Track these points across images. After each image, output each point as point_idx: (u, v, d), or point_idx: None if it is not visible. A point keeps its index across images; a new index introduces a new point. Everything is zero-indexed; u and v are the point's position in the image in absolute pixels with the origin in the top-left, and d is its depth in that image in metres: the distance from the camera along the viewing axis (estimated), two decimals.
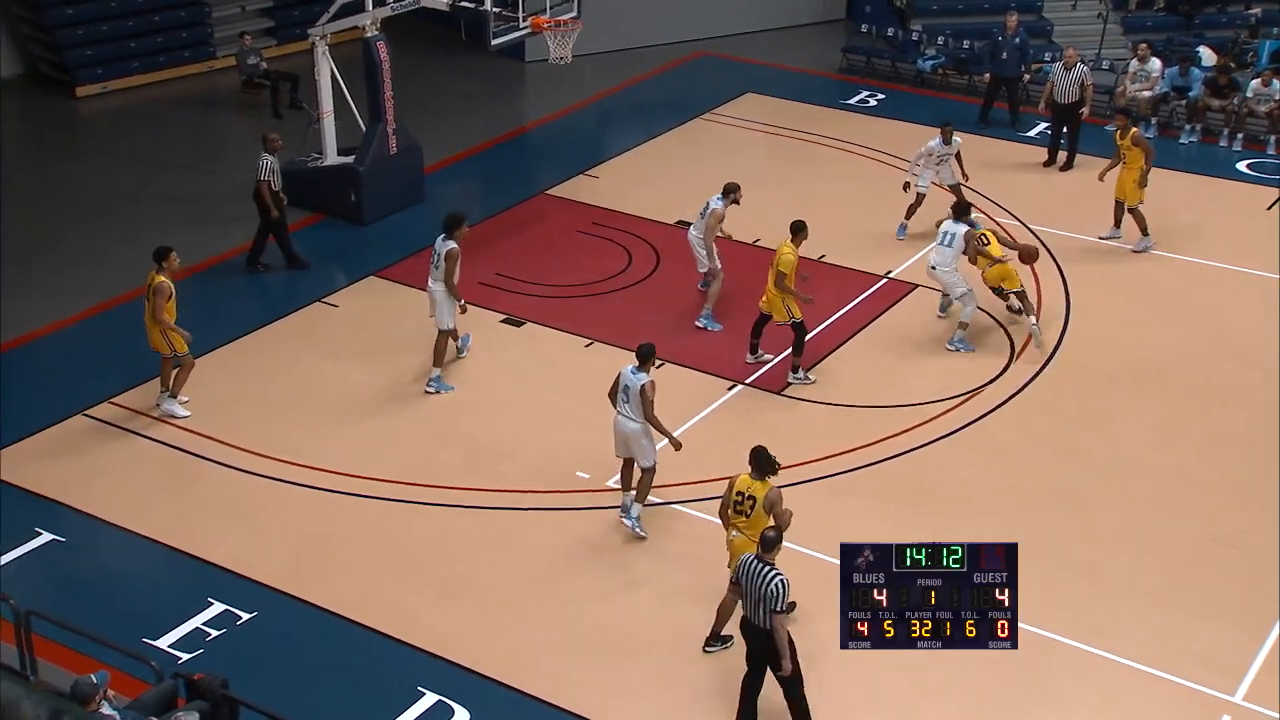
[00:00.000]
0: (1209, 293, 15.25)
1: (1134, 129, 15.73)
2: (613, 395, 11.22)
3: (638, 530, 11.26)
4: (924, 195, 16.08)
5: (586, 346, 14.16)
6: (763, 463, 9.86)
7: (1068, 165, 18.25)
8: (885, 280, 15.39)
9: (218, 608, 10.56)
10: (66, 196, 17.43)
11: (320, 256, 16.17)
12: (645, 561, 11.10)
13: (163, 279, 12.41)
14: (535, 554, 11.23)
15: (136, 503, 11.76)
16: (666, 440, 11.23)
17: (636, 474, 11.35)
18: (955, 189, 16.04)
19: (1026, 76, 19.59)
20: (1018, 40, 19.31)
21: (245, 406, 13.08)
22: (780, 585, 8.75)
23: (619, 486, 11.72)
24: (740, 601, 9.09)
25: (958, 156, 16.23)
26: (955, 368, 13.67)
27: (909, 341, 14.26)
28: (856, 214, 17.02)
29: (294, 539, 11.37)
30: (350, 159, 16.78)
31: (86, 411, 12.93)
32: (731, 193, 14.28)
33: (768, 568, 8.84)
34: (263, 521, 11.55)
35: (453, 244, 13.00)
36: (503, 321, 14.54)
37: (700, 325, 14.37)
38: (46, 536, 11.29)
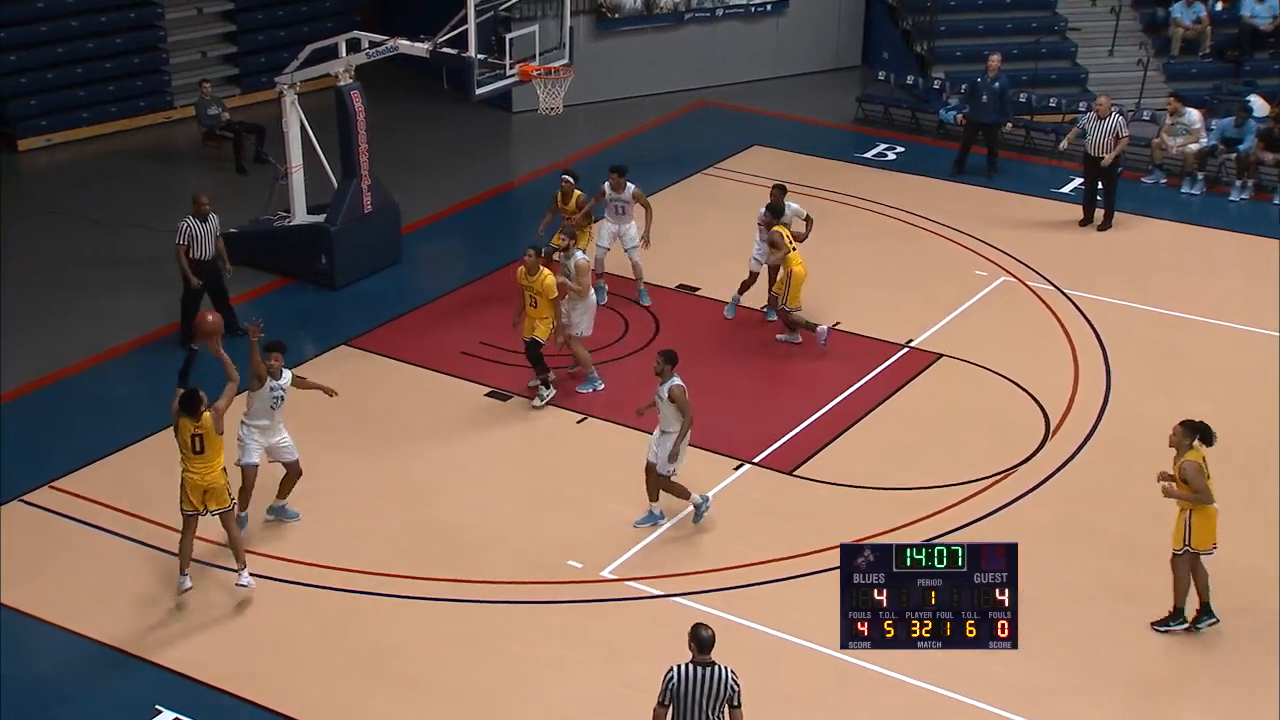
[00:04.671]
0: (1266, 365, 15.23)
1: (778, 227, 15.06)
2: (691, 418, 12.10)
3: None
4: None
5: (579, 422, 14.13)
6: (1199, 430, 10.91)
7: (1105, 224, 18.36)
8: (906, 349, 15.41)
9: (167, 716, 10.42)
10: (5, 260, 17.44)
11: (287, 323, 16.14)
12: (642, 663, 10.95)
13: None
14: (518, 653, 11.11)
15: (75, 599, 11.64)
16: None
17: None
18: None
19: (1009, 125, 19.91)
20: (997, 85, 19.60)
21: None
22: (735, 677, 8.79)
23: (614, 575, 11.64)
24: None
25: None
26: (984, 446, 13.63)
27: (933, 417, 14.24)
28: (875, 277, 17.09)
29: (250, 637, 11.26)
30: (321, 218, 16.86)
31: (23, 498, 12.87)
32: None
33: (710, 668, 8.78)
34: (216, 618, 11.44)
35: None
36: (488, 395, 14.53)
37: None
38: None
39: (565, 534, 12.41)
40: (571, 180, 15.98)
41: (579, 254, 14.56)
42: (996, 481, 13.12)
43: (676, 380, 12.01)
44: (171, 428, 11.33)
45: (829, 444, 13.74)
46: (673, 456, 12.13)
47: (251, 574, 11.53)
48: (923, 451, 13.63)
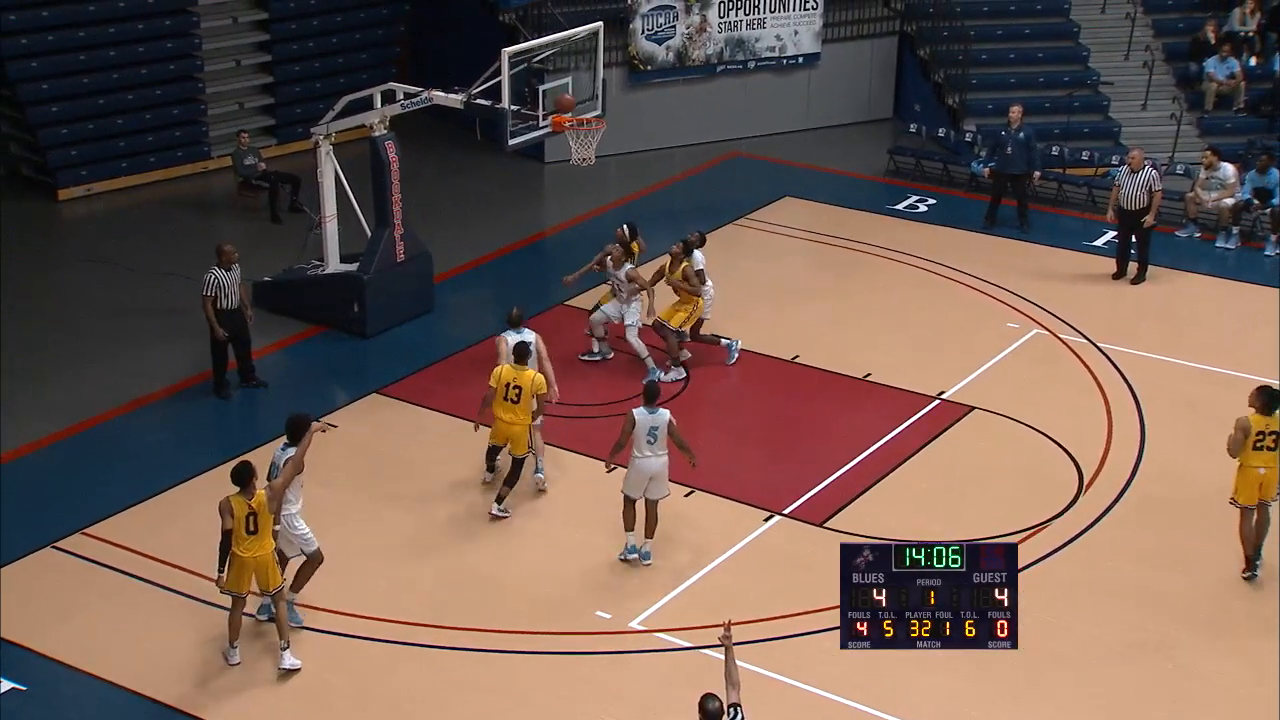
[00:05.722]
0: None
1: (685, 264, 15.55)
2: (624, 443, 12.38)
3: (649, 563, 12.60)
4: None
5: (609, 472, 14.12)
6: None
7: (1139, 277, 18.32)
8: (938, 402, 15.38)
9: None
10: (43, 307, 17.64)
11: (319, 372, 16.31)
12: (670, 716, 10.93)
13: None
14: (547, 706, 11.08)
15: (109, 647, 11.68)
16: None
17: (641, 513, 12.56)
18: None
19: (1037, 175, 19.97)
20: (1021, 135, 19.67)
21: None
22: None
23: (643, 626, 11.60)
24: None
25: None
26: (1016, 500, 13.57)
27: (965, 470, 14.19)
28: (906, 329, 17.08)
29: (282, 686, 11.26)
30: (354, 266, 16.99)
31: (55, 544, 12.95)
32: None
33: None
34: (249, 666, 11.46)
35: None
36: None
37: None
38: (5, 685, 11.22)
39: (594, 584, 12.40)
40: (625, 231, 16.07)
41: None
42: (1029, 536, 13.04)
43: (634, 409, 12.40)
44: (222, 511, 11.01)
45: (860, 496, 13.71)
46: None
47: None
48: (954, 504, 13.57)
